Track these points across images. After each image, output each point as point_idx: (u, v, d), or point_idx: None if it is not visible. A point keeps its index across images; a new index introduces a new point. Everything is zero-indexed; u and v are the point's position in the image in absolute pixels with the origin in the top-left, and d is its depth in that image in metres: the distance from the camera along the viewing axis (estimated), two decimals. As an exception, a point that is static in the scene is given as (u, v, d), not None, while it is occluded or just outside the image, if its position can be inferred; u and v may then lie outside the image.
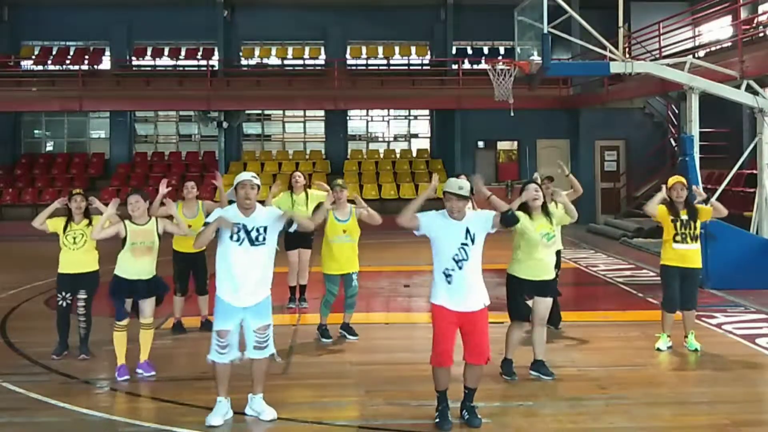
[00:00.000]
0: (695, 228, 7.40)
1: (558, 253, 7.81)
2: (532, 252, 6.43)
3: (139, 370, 6.76)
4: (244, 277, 5.55)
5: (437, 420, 5.46)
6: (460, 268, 5.38)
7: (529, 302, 6.58)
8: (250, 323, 5.60)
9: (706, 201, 7.79)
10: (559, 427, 5.51)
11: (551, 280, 6.63)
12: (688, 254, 7.39)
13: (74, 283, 7.34)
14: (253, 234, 5.58)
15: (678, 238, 7.38)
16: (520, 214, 6.07)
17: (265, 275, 5.67)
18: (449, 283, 5.39)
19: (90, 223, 7.31)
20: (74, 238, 7.27)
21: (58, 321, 7.42)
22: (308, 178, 12.33)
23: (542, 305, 6.58)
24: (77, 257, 7.26)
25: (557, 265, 7.54)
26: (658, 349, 7.46)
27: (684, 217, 7.39)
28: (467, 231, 5.42)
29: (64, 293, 7.36)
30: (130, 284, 6.61)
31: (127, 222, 6.61)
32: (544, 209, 6.55)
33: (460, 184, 5.42)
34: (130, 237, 6.59)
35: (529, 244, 6.41)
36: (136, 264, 6.59)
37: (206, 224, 5.68)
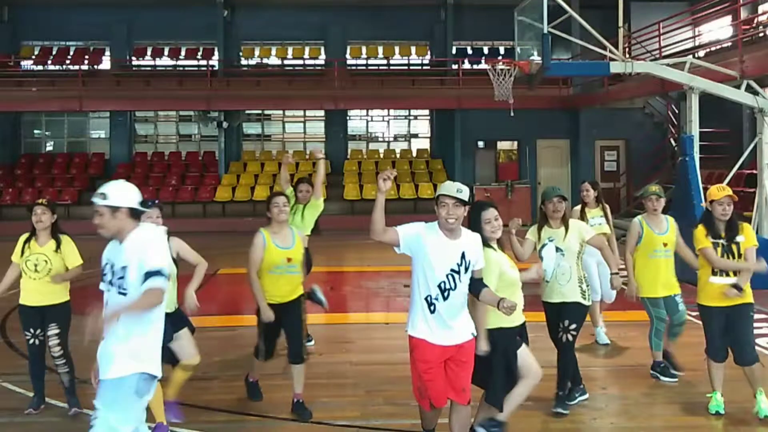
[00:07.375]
0: (738, 255, 5.60)
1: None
2: (512, 294, 4.88)
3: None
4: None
5: None
6: (446, 298, 4.40)
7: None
8: None
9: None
10: (559, 427, 5.51)
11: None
12: None
13: (41, 317, 5.79)
14: (116, 275, 3.79)
15: (716, 269, 5.65)
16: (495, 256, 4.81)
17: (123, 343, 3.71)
18: (432, 312, 4.42)
19: (58, 247, 5.66)
20: (35, 265, 5.65)
21: (31, 367, 5.92)
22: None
23: (525, 354, 4.97)
24: (40, 287, 5.68)
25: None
26: (717, 413, 5.75)
27: (725, 241, 5.63)
28: (463, 256, 4.40)
29: (32, 330, 5.79)
30: None
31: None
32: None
33: (458, 187, 4.39)
34: None
35: (509, 285, 4.91)
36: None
37: None
